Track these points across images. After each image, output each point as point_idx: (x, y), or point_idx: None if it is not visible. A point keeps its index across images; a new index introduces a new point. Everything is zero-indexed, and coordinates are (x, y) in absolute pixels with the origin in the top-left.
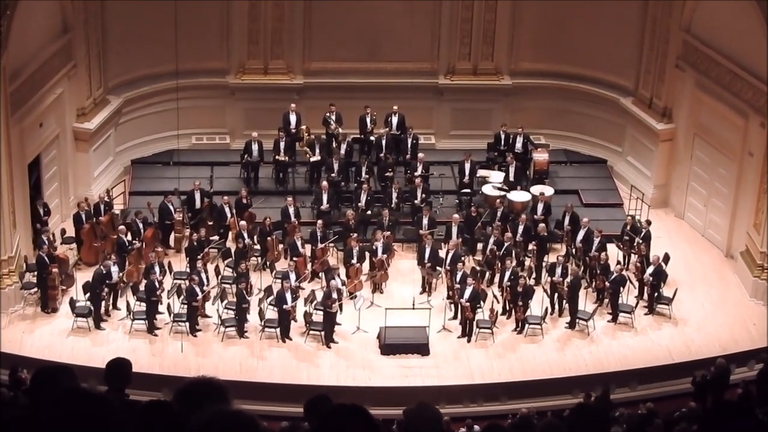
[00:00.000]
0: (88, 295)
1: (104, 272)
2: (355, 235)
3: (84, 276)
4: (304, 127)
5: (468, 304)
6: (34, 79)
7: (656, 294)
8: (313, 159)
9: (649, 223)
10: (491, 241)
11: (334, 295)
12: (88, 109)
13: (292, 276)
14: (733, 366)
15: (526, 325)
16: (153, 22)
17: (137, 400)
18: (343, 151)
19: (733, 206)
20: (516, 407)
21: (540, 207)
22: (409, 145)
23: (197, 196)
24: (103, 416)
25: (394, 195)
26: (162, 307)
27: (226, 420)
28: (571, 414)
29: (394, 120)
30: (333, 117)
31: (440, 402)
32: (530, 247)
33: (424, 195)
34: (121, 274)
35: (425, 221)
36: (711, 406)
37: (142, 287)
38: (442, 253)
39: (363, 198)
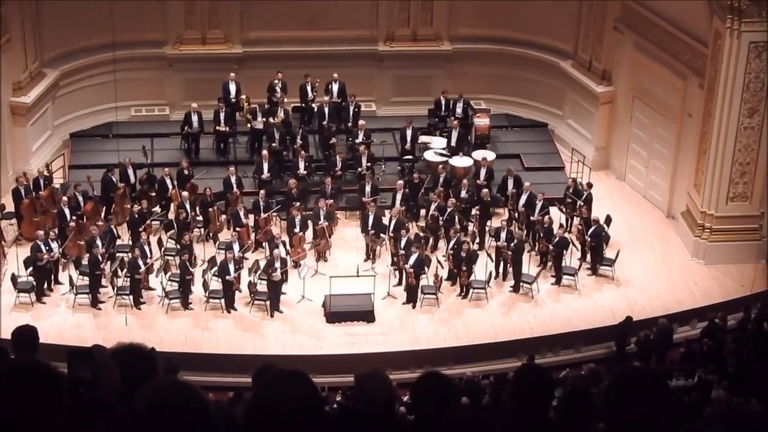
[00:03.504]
0: (29, 270)
1: (41, 245)
2: (298, 203)
3: (25, 251)
4: (244, 96)
5: (412, 270)
6: None
7: (598, 255)
8: (256, 125)
9: (590, 185)
10: (433, 206)
11: (277, 264)
12: (24, 83)
13: (236, 246)
14: (676, 325)
15: (471, 290)
16: None
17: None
18: (279, 119)
19: (674, 167)
20: (462, 371)
21: (482, 172)
22: (350, 113)
23: (130, 171)
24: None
25: (339, 162)
26: (105, 281)
27: (168, 393)
28: (515, 375)
29: (335, 88)
30: (279, 85)
31: (387, 368)
32: (473, 212)
33: (369, 163)
34: (60, 249)
35: (368, 188)
36: (616, 374)
37: (84, 261)
38: (385, 220)
39: (302, 165)
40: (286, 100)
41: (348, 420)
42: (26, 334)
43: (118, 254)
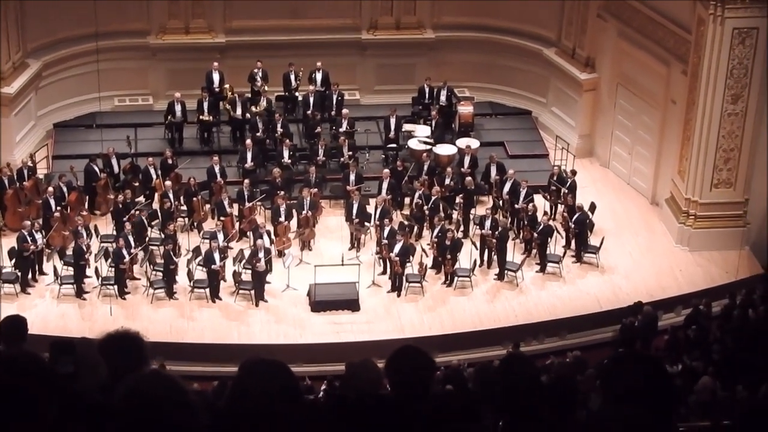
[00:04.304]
0: (14, 260)
1: (26, 236)
2: (282, 192)
3: (8, 242)
4: (227, 86)
5: (397, 258)
6: None
7: (582, 243)
8: (234, 115)
9: (574, 173)
10: (417, 194)
11: (261, 254)
12: (7, 74)
13: (220, 236)
14: (661, 312)
15: (455, 278)
16: None
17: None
18: (262, 108)
19: (657, 154)
20: (447, 360)
21: (466, 160)
22: (334, 102)
23: (114, 161)
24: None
25: (321, 151)
26: (90, 271)
27: (148, 385)
28: (501, 363)
29: (318, 77)
30: (260, 74)
31: (372, 357)
32: (457, 200)
33: (350, 152)
34: (44, 239)
35: (352, 177)
36: (612, 356)
37: (69, 252)
38: (369, 209)
39: (286, 154)
40: (267, 88)
41: (336, 408)
42: (15, 324)
43: (102, 244)
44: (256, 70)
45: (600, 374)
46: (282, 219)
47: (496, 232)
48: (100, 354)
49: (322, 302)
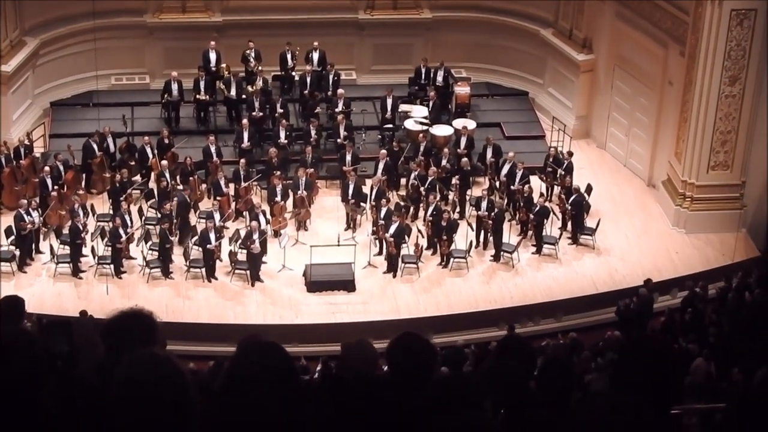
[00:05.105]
0: (11, 239)
1: (23, 214)
2: (279, 172)
3: (5, 221)
4: (224, 65)
5: (392, 239)
6: None
7: (578, 224)
8: (228, 95)
9: (571, 154)
10: (413, 175)
11: (255, 236)
12: (4, 52)
13: (216, 215)
14: (656, 295)
15: (451, 259)
16: None
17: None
18: (258, 87)
19: (654, 136)
20: (443, 341)
21: (463, 141)
22: (330, 82)
23: (110, 140)
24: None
25: (313, 132)
26: (86, 250)
27: (145, 367)
28: (498, 345)
29: (315, 56)
30: (252, 54)
31: (368, 338)
32: (453, 181)
33: (346, 132)
34: (41, 218)
35: (348, 157)
36: (632, 339)
37: (65, 230)
38: (366, 189)
39: (282, 134)
40: (261, 68)
41: (332, 389)
42: (13, 304)
43: (99, 223)
44: (248, 51)
45: (615, 360)
46: (278, 199)
47: (492, 214)
48: (109, 332)
49: (317, 282)
